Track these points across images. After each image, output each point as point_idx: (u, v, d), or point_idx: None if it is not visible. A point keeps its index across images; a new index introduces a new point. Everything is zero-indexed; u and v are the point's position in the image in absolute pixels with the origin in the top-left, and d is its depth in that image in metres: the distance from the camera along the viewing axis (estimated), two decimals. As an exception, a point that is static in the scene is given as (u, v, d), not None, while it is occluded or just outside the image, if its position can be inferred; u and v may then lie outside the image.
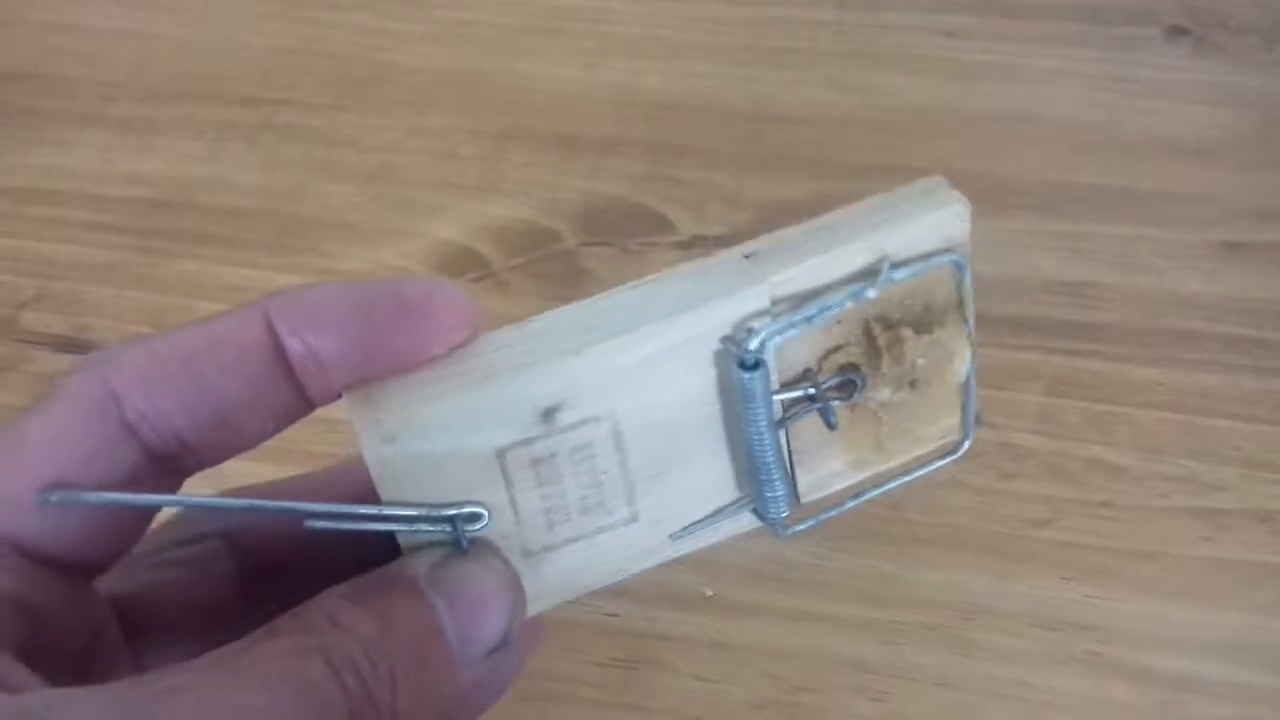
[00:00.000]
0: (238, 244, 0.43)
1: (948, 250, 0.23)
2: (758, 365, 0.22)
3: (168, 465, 0.21)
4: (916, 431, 0.24)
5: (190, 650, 0.19)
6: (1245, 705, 0.31)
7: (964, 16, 0.52)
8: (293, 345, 0.21)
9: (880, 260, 0.22)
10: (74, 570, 0.21)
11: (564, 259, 0.42)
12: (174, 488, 0.22)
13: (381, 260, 0.42)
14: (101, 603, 0.22)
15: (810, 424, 0.23)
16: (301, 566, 0.22)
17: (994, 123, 0.47)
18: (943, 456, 0.24)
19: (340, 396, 0.22)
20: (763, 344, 0.22)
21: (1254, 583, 0.33)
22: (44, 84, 0.50)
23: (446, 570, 0.21)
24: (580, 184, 0.45)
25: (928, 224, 0.23)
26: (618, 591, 0.33)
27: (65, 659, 0.20)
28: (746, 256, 0.23)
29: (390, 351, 0.21)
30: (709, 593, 0.33)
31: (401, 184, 0.45)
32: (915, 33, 0.51)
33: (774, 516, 0.23)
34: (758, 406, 0.22)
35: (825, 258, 0.23)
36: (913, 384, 0.23)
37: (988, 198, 0.44)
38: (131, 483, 0.20)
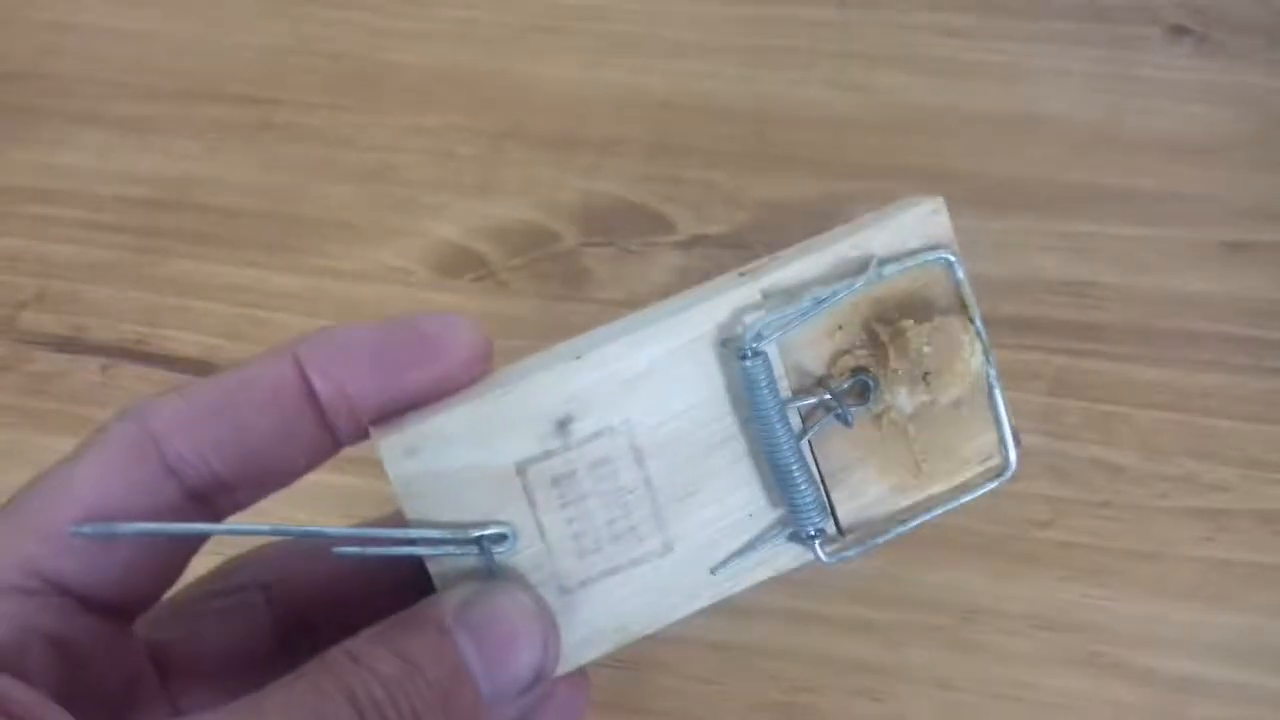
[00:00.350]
0: (237, 243, 0.43)
1: (935, 247, 0.23)
2: (756, 354, 0.22)
3: (205, 505, 0.22)
4: (956, 452, 0.24)
5: (225, 698, 0.19)
6: (1246, 706, 0.31)
7: (965, 16, 0.52)
8: (321, 385, 0.22)
9: (867, 257, 0.23)
10: (113, 611, 0.21)
11: (564, 259, 0.42)
12: (204, 539, 0.22)
13: (381, 260, 0.42)
14: (139, 647, 0.22)
15: (839, 444, 0.23)
16: (339, 616, 0.22)
17: (994, 122, 0.47)
18: (987, 480, 0.24)
19: (366, 436, 0.22)
20: (758, 334, 0.22)
21: (1255, 583, 0.33)
22: (42, 83, 0.50)
23: (474, 607, 0.21)
24: (580, 183, 0.45)
25: (904, 223, 0.23)
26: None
27: (102, 702, 0.20)
28: (741, 274, 0.24)
29: (413, 385, 0.22)
30: (709, 593, 0.33)
31: (401, 183, 0.45)
32: (916, 32, 0.51)
33: (808, 528, 0.23)
34: (763, 394, 0.22)
35: (811, 259, 0.23)
36: (925, 378, 0.23)
37: (988, 198, 0.44)
38: (167, 538, 0.21)
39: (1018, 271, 0.41)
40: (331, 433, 0.22)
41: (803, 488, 0.23)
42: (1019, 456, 0.24)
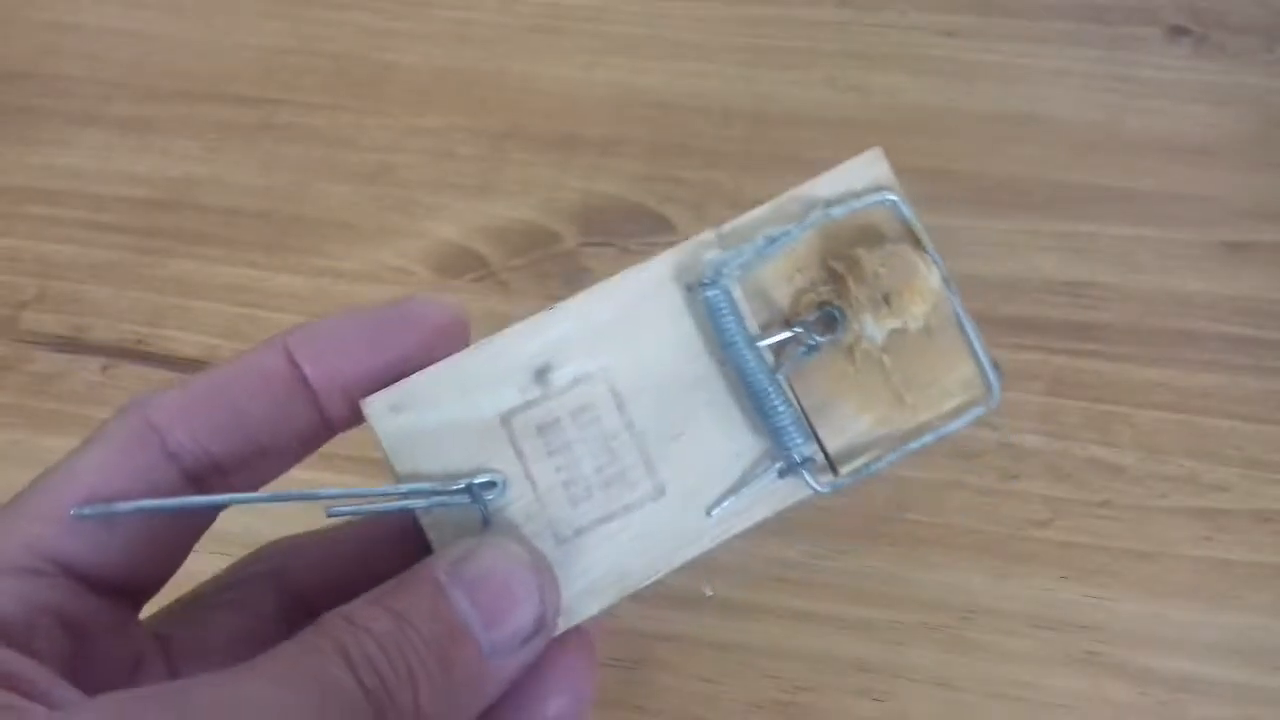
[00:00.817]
0: (237, 244, 0.43)
1: (878, 189, 0.25)
2: (714, 283, 0.23)
3: (204, 489, 0.22)
4: (937, 383, 0.25)
5: None
6: (1245, 705, 0.31)
7: (964, 16, 0.52)
8: (311, 370, 0.23)
9: (816, 200, 0.25)
10: (119, 592, 0.21)
11: (564, 259, 0.42)
12: (210, 518, 0.23)
13: (381, 260, 0.42)
14: (144, 633, 0.23)
15: (816, 381, 0.24)
16: (346, 603, 0.22)
17: (994, 122, 0.47)
18: (973, 408, 0.24)
19: (361, 420, 0.23)
20: (717, 270, 0.23)
21: (1254, 583, 0.33)
22: (43, 83, 0.50)
23: (467, 562, 0.21)
24: (580, 184, 0.45)
25: (847, 170, 0.25)
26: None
27: (107, 680, 0.21)
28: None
29: (397, 359, 0.23)
30: (709, 592, 0.33)
31: (401, 184, 0.45)
32: (915, 32, 0.51)
33: (794, 454, 0.23)
34: (728, 322, 0.23)
35: (764, 207, 0.25)
36: (887, 300, 0.24)
37: (987, 198, 0.44)
38: (170, 521, 0.22)
39: (1017, 271, 0.42)
40: (324, 415, 0.23)
41: (781, 411, 0.23)
42: (1001, 383, 0.25)
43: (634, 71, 0.49)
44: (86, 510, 0.20)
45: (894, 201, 0.25)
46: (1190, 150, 0.46)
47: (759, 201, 0.44)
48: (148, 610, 0.23)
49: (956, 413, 0.25)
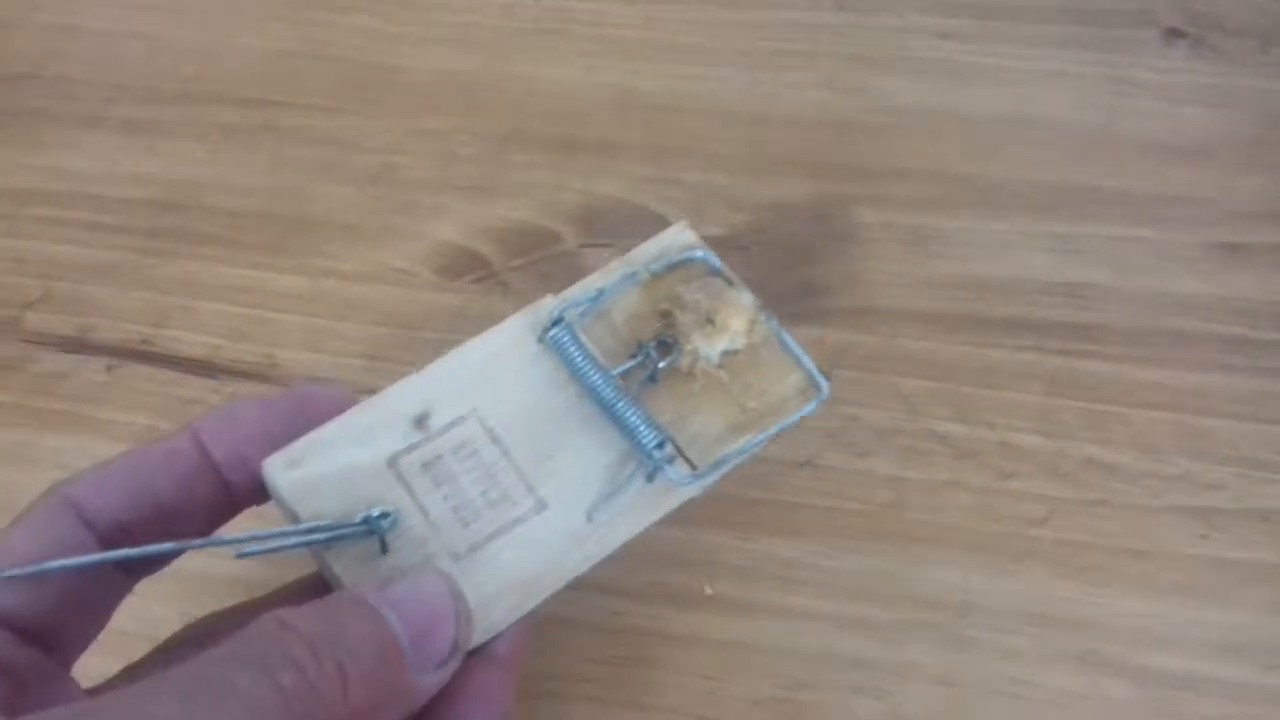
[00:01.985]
0: (240, 245, 0.43)
1: (689, 248, 0.30)
2: (558, 323, 0.28)
3: (123, 564, 0.25)
4: (772, 391, 0.29)
5: None
6: (1241, 704, 0.31)
7: (961, 19, 0.52)
8: (216, 450, 0.26)
9: (637, 264, 0.29)
10: (50, 645, 0.24)
11: (565, 260, 0.43)
12: (128, 585, 0.26)
13: (383, 261, 0.43)
14: (75, 685, 0.25)
15: (666, 401, 0.28)
16: None
17: (991, 124, 0.47)
18: (810, 402, 0.28)
19: (263, 499, 0.26)
20: (558, 315, 0.28)
21: (1250, 581, 0.34)
22: (47, 86, 0.50)
23: (392, 585, 0.23)
24: (581, 185, 0.45)
25: (661, 240, 0.30)
26: (618, 590, 0.33)
27: None
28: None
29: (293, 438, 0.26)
30: (709, 591, 0.33)
31: (403, 185, 0.46)
32: (913, 35, 0.51)
33: (652, 455, 0.26)
34: (574, 353, 0.27)
35: (595, 275, 0.29)
36: (710, 320, 0.29)
37: (985, 199, 0.45)
38: (94, 573, 0.25)
39: (1014, 272, 0.42)
40: (229, 491, 0.26)
41: (630, 416, 0.27)
42: (828, 381, 0.29)
43: (634, 74, 0.50)
44: (17, 571, 0.23)
45: (703, 255, 0.30)
46: (1186, 152, 0.46)
47: (759, 204, 0.46)
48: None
49: (795, 409, 0.28)
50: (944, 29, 0.51)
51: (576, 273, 0.42)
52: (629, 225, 0.44)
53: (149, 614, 0.32)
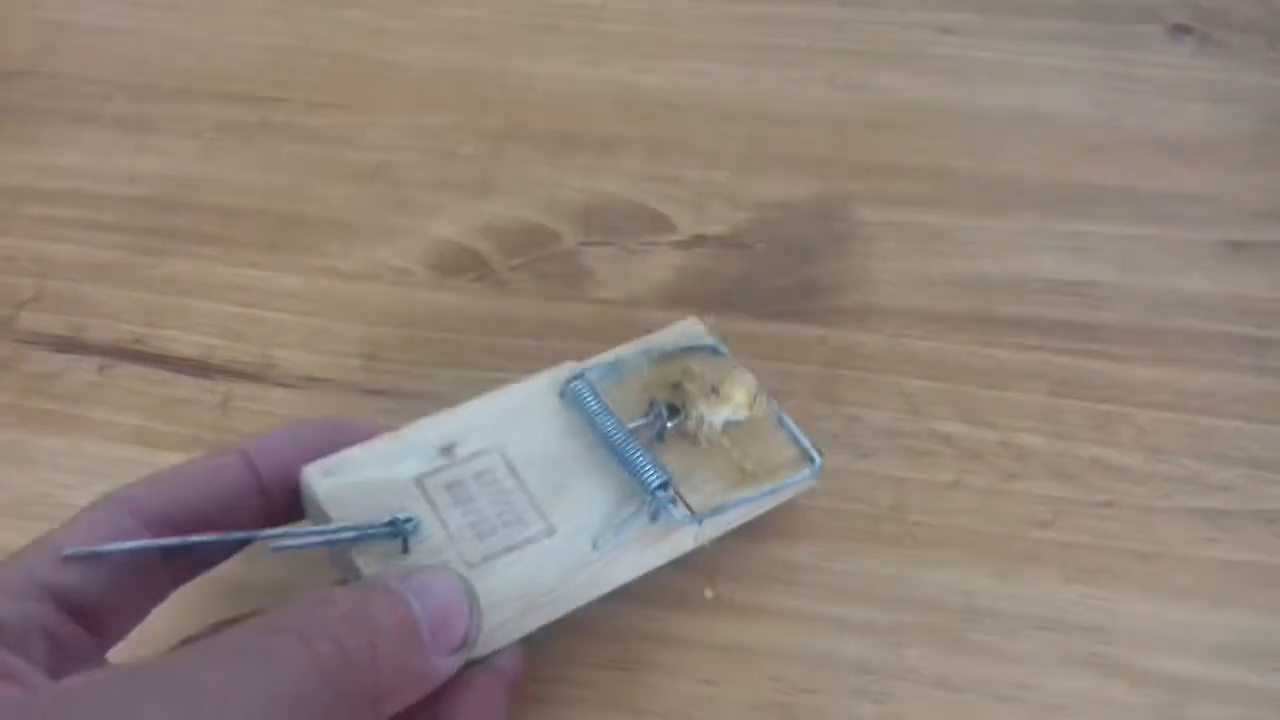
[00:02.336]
0: (236, 243, 0.43)
1: (700, 338, 0.34)
2: (577, 377, 0.32)
3: (170, 553, 0.27)
4: (771, 459, 0.32)
5: None
6: (1247, 707, 0.31)
7: (964, 14, 0.51)
8: (263, 467, 0.29)
9: (654, 347, 0.34)
10: (96, 625, 0.26)
11: (564, 258, 0.42)
12: (169, 586, 0.28)
13: (380, 259, 0.42)
14: (111, 666, 0.27)
15: (674, 457, 0.31)
16: None
17: (995, 121, 0.47)
18: (805, 470, 0.32)
19: (298, 516, 0.29)
20: (580, 373, 0.32)
21: (1257, 583, 0.33)
22: (41, 82, 0.50)
23: (413, 575, 0.25)
24: (580, 183, 0.45)
25: (677, 330, 0.34)
26: (617, 592, 0.33)
27: None
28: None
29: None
30: (709, 594, 0.33)
31: (400, 183, 0.45)
32: (915, 30, 0.51)
33: (656, 496, 0.29)
34: (591, 403, 0.31)
35: (617, 349, 0.33)
36: (715, 390, 0.32)
37: (988, 197, 0.44)
38: (142, 566, 0.27)
39: (1018, 271, 0.41)
40: (269, 503, 0.29)
41: (639, 461, 0.30)
42: (823, 457, 0.32)
43: (634, 70, 0.49)
44: (76, 550, 0.26)
45: (714, 344, 0.34)
46: (1192, 149, 0.46)
47: (761, 202, 0.46)
48: None
49: (791, 474, 0.32)
50: (947, 24, 0.51)
51: (576, 271, 0.42)
52: (629, 223, 0.43)
53: (151, 619, 0.32)
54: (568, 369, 0.32)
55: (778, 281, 0.41)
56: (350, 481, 0.29)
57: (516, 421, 0.31)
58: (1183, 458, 0.36)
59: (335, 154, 0.46)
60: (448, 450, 0.30)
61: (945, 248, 0.42)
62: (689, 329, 0.34)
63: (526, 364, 0.37)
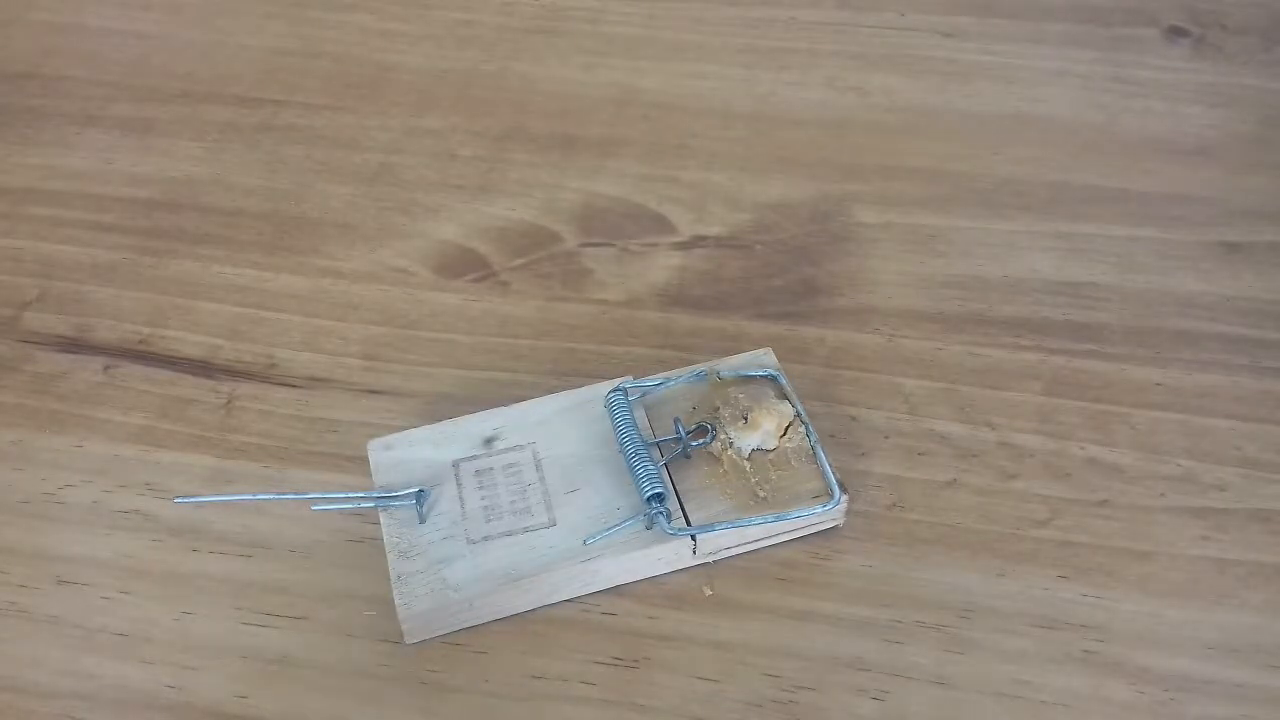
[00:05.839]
0: (238, 244, 0.43)
1: (765, 367, 0.36)
2: (617, 391, 0.34)
3: None
4: (790, 489, 0.33)
5: None
6: (1243, 705, 0.31)
7: (963, 17, 0.52)
8: None
9: (715, 369, 0.36)
10: None
11: (564, 259, 0.42)
12: None
13: (382, 260, 0.43)
14: None
15: (693, 474, 0.33)
16: None
17: (992, 123, 0.47)
18: (816, 506, 0.33)
19: None
20: (621, 387, 0.34)
21: (1252, 582, 0.34)
22: (44, 84, 0.50)
23: None
24: (580, 184, 0.45)
25: (744, 356, 0.36)
26: (615, 590, 0.33)
27: None
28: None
29: None
30: (709, 591, 0.33)
31: (402, 184, 0.45)
32: (914, 33, 0.51)
33: (650, 505, 0.32)
34: (620, 415, 0.34)
35: (676, 369, 0.36)
36: (746, 417, 0.34)
37: (986, 198, 0.44)
38: None
39: (1015, 272, 0.42)
40: None
41: (641, 471, 0.32)
42: (843, 494, 0.33)
43: (634, 72, 0.50)
44: (187, 499, 0.31)
45: (775, 374, 0.36)
46: (1189, 151, 0.46)
47: (760, 203, 0.46)
48: None
49: (804, 507, 0.33)
50: (945, 27, 0.51)
51: (576, 272, 0.42)
52: (629, 224, 0.44)
53: (146, 615, 0.32)
54: (619, 381, 0.35)
55: (777, 282, 0.42)
56: (400, 457, 0.34)
57: (557, 424, 0.34)
58: (1179, 457, 0.36)
59: (337, 155, 0.47)
60: (489, 441, 0.34)
61: (943, 249, 0.43)
62: (759, 357, 0.36)
63: (527, 364, 0.37)
